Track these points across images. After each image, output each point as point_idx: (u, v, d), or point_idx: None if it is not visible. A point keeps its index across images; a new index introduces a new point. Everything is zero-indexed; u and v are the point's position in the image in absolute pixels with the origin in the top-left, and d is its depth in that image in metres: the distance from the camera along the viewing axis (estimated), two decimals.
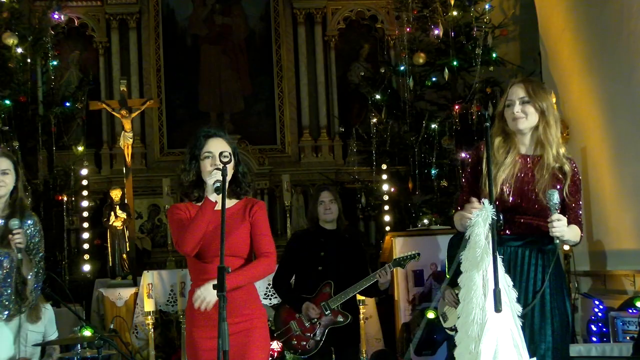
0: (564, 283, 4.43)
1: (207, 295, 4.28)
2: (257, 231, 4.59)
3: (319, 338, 6.44)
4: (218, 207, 4.36)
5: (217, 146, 4.52)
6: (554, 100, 4.54)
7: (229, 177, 4.43)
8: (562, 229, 4.07)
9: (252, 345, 4.41)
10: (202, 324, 4.42)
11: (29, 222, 5.18)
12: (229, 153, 4.47)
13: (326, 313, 6.41)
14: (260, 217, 4.60)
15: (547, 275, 4.26)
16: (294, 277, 6.81)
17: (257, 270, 4.52)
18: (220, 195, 4.30)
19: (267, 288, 9.03)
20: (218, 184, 4.28)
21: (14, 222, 4.99)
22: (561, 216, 4.09)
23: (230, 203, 4.54)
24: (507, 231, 4.32)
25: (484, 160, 4.19)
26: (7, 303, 5.11)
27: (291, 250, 6.94)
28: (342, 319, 6.48)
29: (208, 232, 4.41)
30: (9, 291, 5.11)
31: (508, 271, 4.22)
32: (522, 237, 4.32)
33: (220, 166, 4.38)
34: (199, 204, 4.51)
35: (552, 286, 4.30)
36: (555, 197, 4.08)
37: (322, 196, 6.85)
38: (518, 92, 4.40)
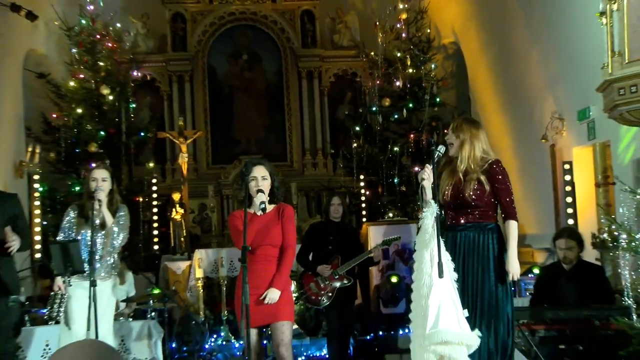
0: (504, 252, 4.42)
1: None
2: (285, 230, 4.65)
3: (330, 294, 6.63)
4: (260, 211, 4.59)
5: (259, 172, 4.63)
6: (479, 132, 4.51)
7: (267, 192, 4.63)
8: (425, 175, 4.16)
9: (281, 300, 4.50)
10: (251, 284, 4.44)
11: (121, 213, 5.31)
12: (266, 173, 4.66)
13: (335, 277, 6.61)
14: (288, 219, 4.68)
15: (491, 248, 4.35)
16: (311, 254, 6.96)
17: (288, 265, 4.65)
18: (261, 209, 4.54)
19: None
20: (263, 205, 4.49)
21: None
22: (427, 170, 4.18)
23: (269, 207, 4.62)
24: (462, 221, 4.38)
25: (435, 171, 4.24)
26: (111, 270, 5.25)
27: (310, 236, 7.20)
28: (346, 282, 6.69)
29: (255, 231, 4.57)
30: (111, 260, 5.25)
31: (463, 248, 4.32)
32: (468, 224, 4.35)
33: (262, 187, 4.61)
34: (250, 210, 4.63)
35: (497, 258, 4.35)
36: (437, 153, 4.25)
37: (333, 200, 7.17)
38: (448, 130, 4.53)
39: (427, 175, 4.13)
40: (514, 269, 4.28)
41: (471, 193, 4.32)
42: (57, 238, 5.27)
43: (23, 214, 5.59)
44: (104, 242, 5.20)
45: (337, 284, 6.64)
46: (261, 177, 4.62)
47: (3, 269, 5.14)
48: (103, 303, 5.11)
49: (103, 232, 5.18)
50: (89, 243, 5.10)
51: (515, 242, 4.33)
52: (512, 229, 4.35)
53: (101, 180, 5.17)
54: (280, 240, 4.64)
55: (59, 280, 5.20)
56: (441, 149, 4.30)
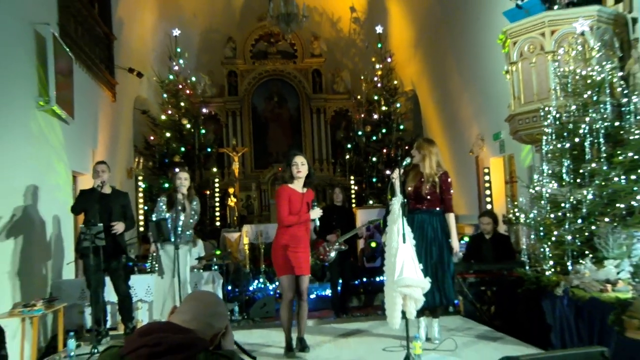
0: (446, 229, 4.38)
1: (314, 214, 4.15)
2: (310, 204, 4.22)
3: (333, 255, 6.49)
4: (300, 189, 4.20)
5: (299, 160, 4.22)
6: (435, 149, 4.47)
7: (303, 173, 4.17)
8: (395, 176, 4.01)
9: (305, 261, 4.22)
10: (292, 246, 4.16)
11: (194, 202, 5.20)
12: (304, 161, 4.23)
13: (336, 244, 6.47)
14: (312, 196, 4.30)
15: (438, 227, 4.28)
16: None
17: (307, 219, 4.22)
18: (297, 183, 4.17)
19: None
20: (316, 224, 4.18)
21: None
22: (396, 172, 4.02)
23: (305, 190, 4.25)
24: (419, 207, 4.29)
25: (402, 175, 4.18)
26: (188, 238, 5.14)
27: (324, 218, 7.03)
28: (344, 247, 6.54)
29: (294, 209, 4.17)
30: (188, 232, 5.16)
31: (419, 224, 4.23)
32: (423, 209, 4.30)
33: (301, 171, 4.16)
34: (291, 186, 4.21)
35: (441, 231, 4.30)
36: (404, 163, 4.13)
37: (336, 190, 7.06)
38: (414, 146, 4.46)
39: (395, 176, 4.07)
40: (456, 246, 4.22)
41: (426, 191, 4.26)
42: (153, 217, 5.17)
43: (131, 205, 5.61)
44: (185, 220, 5.11)
45: (337, 248, 6.56)
46: (300, 163, 4.19)
47: (119, 239, 5.17)
48: (188, 260, 5.11)
49: (184, 214, 5.11)
50: (174, 221, 5.10)
51: (455, 228, 4.23)
52: (451, 219, 4.24)
53: (184, 179, 5.07)
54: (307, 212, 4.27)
55: (152, 246, 5.21)
56: (406, 160, 4.22)
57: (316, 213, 4.15)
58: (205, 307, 1.57)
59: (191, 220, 5.15)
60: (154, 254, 5.20)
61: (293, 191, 4.20)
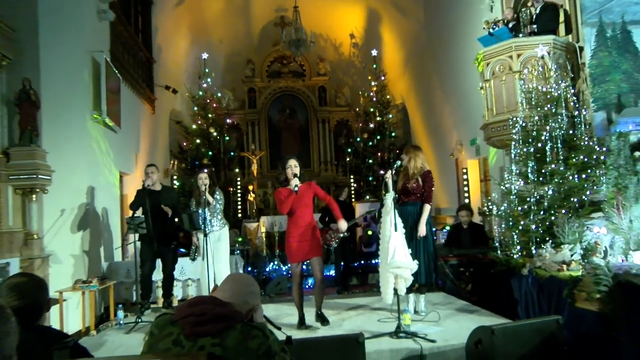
0: (430, 220, 4.35)
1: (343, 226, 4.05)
2: (320, 194, 4.20)
3: (337, 241, 6.50)
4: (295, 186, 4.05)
5: (292, 163, 4.15)
6: (420, 153, 4.51)
7: (298, 173, 4.09)
8: (388, 176, 3.93)
9: (316, 244, 4.12)
10: (296, 235, 4.10)
11: (216, 194, 5.14)
12: (297, 164, 4.15)
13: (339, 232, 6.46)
14: (318, 188, 4.24)
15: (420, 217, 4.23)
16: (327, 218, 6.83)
17: (337, 207, 4.24)
18: (296, 184, 4.01)
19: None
20: (296, 188, 4.02)
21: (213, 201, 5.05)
22: (389, 172, 3.94)
23: (300, 184, 4.10)
24: (406, 200, 4.26)
25: (394, 175, 4.13)
26: (218, 223, 5.11)
27: (326, 209, 6.90)
28: (346, 234, 6.52)
29: (295, 201, 4.07)
30: (218, 217, 5.14)
31: (407, 215, 4.18)
32: (410, 202, 4.28)
33: (296, 172, 4.06)
34: (287, 187, 4.11)
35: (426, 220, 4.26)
36: (396, 165, 4.04)
37: (345, 189, 7.13)
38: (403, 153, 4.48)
39: (389, 176, 4.04)
40: (421, 231, 4.18)
41: (413, 186, 4.28)
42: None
43: (178, 198, 5.70)
44: (211, 211, 5.01)
45: (341, 235, 6.55)
46: (294, 165, 4.12)
47: (168, 227, 5.21)
48: (222, 243, 5.07)
49: (210, 206, 5.00)
50: (204, 214, 5.09)
51: (426, 216, 4.18)
52: (426, 209, 4.20)
53: (204, 178, 5.00)
54: (311, 203, 4.14)
55: (194, 238, 5.17)
56: (397, 163, 4.20)
57: (293, 183, 4.02)
58: (243, 286, 1.58)
59: (217, 207, 5.06)
60: (196, 245, 5.16)
61: (287, 190, 4.09)
